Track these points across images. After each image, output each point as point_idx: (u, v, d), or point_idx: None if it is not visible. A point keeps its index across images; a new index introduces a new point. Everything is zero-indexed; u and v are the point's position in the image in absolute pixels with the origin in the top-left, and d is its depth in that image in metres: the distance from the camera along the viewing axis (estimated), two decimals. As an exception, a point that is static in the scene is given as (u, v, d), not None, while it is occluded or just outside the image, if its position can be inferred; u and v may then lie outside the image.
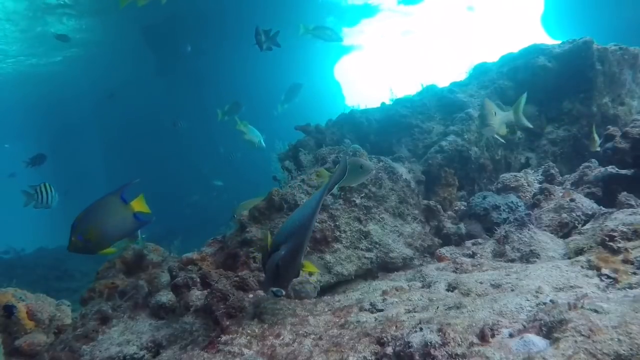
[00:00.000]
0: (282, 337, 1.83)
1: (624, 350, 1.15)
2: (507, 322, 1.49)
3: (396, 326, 1.63)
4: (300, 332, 1.85)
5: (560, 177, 3.61)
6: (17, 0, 13.39)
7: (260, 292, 2.31)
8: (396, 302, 2.01)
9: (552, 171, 3.64)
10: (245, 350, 1.79)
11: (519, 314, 1.56)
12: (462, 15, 24.24)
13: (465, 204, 3.60)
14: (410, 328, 1.51)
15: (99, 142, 24.93)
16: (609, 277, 1.81)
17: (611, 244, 1.99)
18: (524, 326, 1.42)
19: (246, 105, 7.03)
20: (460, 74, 5.40)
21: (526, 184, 3.51)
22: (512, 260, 2.42)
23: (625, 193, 2.74)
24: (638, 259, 1.83)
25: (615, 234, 2.01)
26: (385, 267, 2.78)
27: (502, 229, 2.64)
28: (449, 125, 4.49)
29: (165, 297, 2.53)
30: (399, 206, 3.05)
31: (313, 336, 1.81)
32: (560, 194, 2.97)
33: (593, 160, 3.52)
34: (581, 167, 3.48)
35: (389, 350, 1.51)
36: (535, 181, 3.58)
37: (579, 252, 2.17)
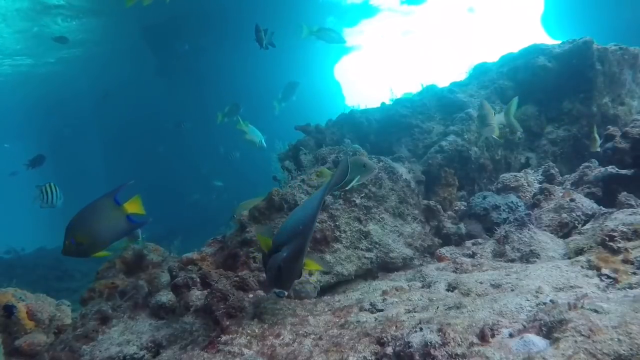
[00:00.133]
0: (282, 337, 1.83)
1: (624, 350, 1.15)
2: (507, 322, 1.49)
3: (396, 326, 1.63)
4: (300, 332, 1.85)
5: (560, 177, 3.61)
6: (17, 0, 13.40)
7: (260, 292, 2.31)
8: (396, 302, 2.01)
9: (552, 171, 3.64)
10: (245, 350, 1.78)
11: (519, 314, 1.56)
12: (462, 15, 24.28)
13: (465, 204, 3.60)
14: (410, 328, 1.51)
15: (99, 142, 24.94)
16: (609, 277, 1.81)
17: (611, 244, 1.99)
18: (524, 326, 1.42)
19: (246, 106, 7.03)
20: (460, 74, 5.42)
21: (526, 184, 3.51)
22: (512, 260, 2.42)
23: (625, 193, 2.74)
24: (638, 259, 1.83)
25: (615, 234, 2.01)
26: (385, 267, 2.78)
27: (502, 229, 2.64)
28: (449, 125, 4.49)
29: (165, 297, 2.53)
30: (399, 206, 3.05)
31: (313, 336, 1.81)
32: (560, 194, 2.97)
33: (593, 160, 3.52)
34: (581, 167, 3.48)
35: (389, 350, 1.51)
36: (535, 181, 3.58)
37: (579, 252, 2.17)
